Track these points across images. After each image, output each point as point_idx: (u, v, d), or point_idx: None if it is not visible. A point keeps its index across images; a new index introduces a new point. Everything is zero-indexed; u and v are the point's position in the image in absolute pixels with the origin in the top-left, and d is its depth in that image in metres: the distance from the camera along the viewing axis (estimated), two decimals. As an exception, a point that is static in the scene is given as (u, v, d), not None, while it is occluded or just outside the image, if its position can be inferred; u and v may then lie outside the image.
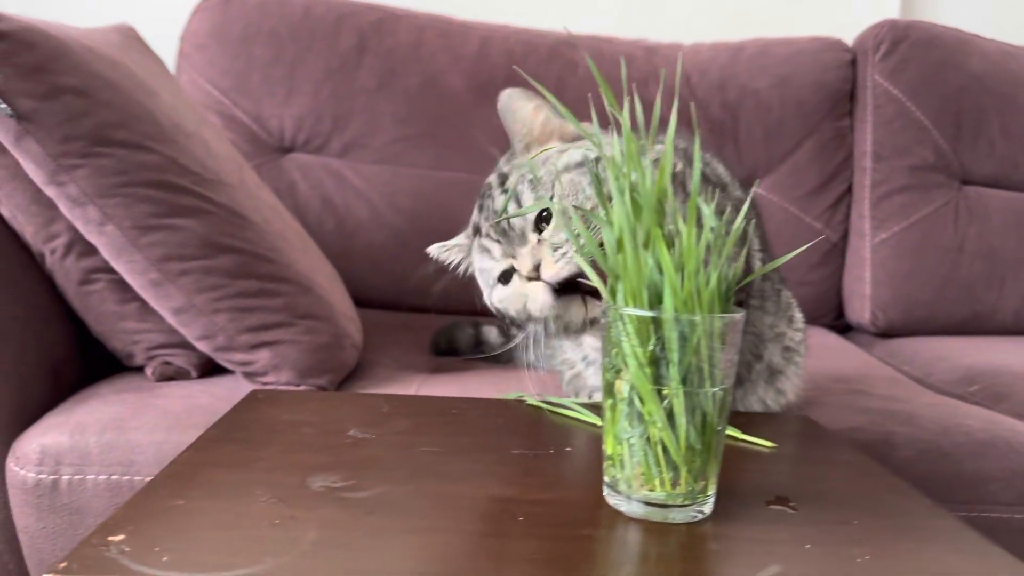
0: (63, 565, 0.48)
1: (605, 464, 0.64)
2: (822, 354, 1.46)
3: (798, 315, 1.03)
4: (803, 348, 1.01)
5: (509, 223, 0.84)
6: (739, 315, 0.60)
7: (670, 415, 0.59)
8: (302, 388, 1.01)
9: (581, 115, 1.88)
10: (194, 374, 1.08)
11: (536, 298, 0.83)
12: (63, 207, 0.95)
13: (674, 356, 0.58)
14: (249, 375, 1.02)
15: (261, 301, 1.01)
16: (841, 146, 1.83)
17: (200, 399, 0.99)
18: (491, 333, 1.39)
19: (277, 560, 0.50)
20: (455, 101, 1.70)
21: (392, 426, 0.79)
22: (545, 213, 0.82)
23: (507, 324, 0.92)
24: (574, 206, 0.78)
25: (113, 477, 0.91)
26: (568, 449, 0.76)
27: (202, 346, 1.01)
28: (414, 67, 1.69)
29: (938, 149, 1.79)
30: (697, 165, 0.64)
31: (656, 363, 0.59)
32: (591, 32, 1.85)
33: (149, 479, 0.91)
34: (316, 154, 1.70)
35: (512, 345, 1.35)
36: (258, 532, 0.55)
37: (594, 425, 0.83)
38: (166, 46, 1.57)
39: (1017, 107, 1.82)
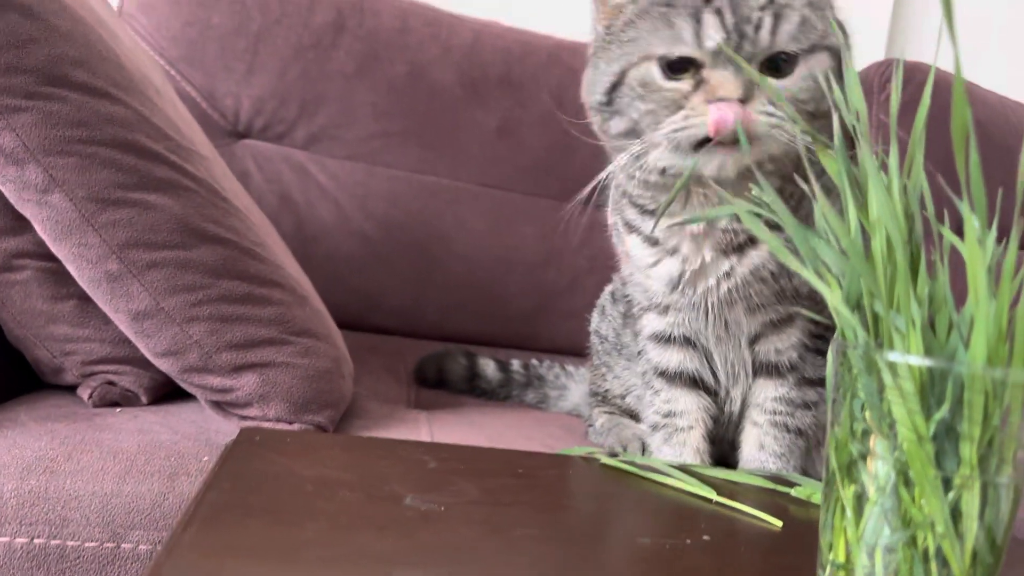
0: None
1: None
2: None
3: None
4: None
5: (744, 30, 0.65)
6: (1048, 375, 0.42)
7: (953, 514, 0.41)
8: (295, 427, 0.78)
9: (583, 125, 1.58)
10: (144, 399, 0.83)
11: (699, 121, 0.66)
12: (-11, 164, 0.70)
13: (976, 429, 0.40)
14: (223, 405, 0.78)
15: (249, 309, 0.77)
16: (845, 186, 1.72)
17: (160, 435, 0.74)
18: (488, 366, 1.19)
19: None
20: (444, 97, 1.49)
21: (456, 491, 0.58)
22: (783, 59, 0.66)
23: (603, 111, 0.73)
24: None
25: (36, 541, 0.65)
26: (706, 538, 0.56)
27: (165, 364, 0.76)
28: (400, 54, 1.47)
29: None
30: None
31: (937, 435, 0.41)
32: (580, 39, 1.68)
33: (91, 545, 0.67)
34: (276, 142, 1.45)
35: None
36: None
37: (703, 499, 0.64)
38: None
39: (1017, 161, 1.76)
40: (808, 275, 0.45)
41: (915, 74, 1.76)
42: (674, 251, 0.76)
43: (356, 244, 1.45)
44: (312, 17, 1.45)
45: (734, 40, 0.65)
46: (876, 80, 1.74)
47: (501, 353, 1.36)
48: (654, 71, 0.68)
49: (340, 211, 1.45)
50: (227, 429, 0.77)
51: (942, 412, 0.40)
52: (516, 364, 1.20)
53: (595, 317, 1.05)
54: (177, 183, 0.76)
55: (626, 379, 0.97)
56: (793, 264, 0.47)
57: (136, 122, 0.75)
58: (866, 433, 0.42)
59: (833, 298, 0.44)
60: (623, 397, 0.98)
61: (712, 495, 0.64)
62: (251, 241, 0.81)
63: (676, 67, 0.67)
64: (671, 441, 0.82)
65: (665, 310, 0.81)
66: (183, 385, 0.78)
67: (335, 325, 0.96)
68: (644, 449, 0.89)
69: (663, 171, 0.71)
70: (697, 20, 0.65)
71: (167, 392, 0.84)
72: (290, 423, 0.77)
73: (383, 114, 1.46)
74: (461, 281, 1.51)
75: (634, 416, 0.97)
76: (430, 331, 1.50)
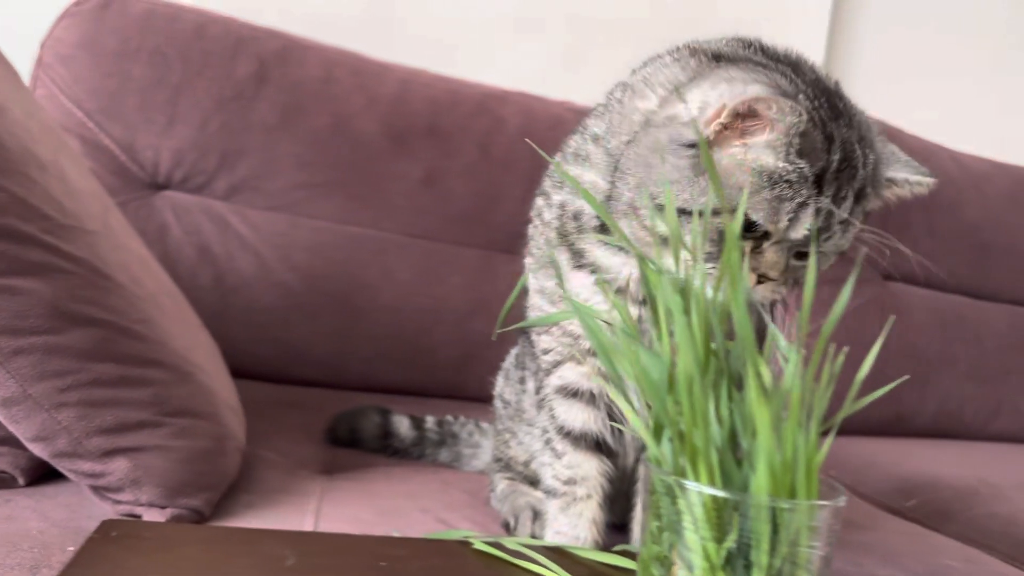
0: None
1: None
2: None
3: None
4: None
5: (819, 234, 0.69)
6: (842, 500, 0.43)
7: (747, 640, 0.41)
8: (168, 512, 0.77)
9: (510, 173, 1.69)
10: (21, 481, 0.81)
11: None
12: None
13: (764, 558, 0.40)
14: (98, 489, 0.77)
15: (122, 392, 0.76)
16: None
17: (28, 522, 0.73)
18: (402, 424, 1.18)
19: None
20: (369, 148, 1.49)
21: (306, 593, 0.58)
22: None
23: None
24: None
25: None
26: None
27: (36, 449, 0.75)
28: (324, 106, 1.48)
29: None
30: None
31: (731, 563, 0.41)
32: (511, 87, 1.69)
33: (-62, 650, 0.66)
34: (196, 194, 1.44)
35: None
36: None
37: (567, 587, 0.64)
38: (22, 51, 1.29)
39: (941, 206, 1.79)
40: (616, 396, 0.46)
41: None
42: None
43: (277, 296, 1.44)
44: (235, 68, 1.45)
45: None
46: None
47: (427, 404, 1.35)
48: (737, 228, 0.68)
49: (261, 262, 1.44)
50: (101, 513, 0.76)
51: (730, 540, 0.40)
52: (431, 421, 1.20)
53: (499, 380, 1.05)
54: (50, 265, 0.75)
55: (529, 444, 0.97)
56: (611, 379, 0.48)
57: (8, 205, 0.74)
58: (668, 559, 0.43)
59: (633, 418, 0.44)
60: (527, 464, 0.98)
61: (571, 582, 0.64)
62: (132, 319, 0.80)
63: (746, 228, 0.69)
64: (568, 511, 0.82)
65: (586, 355, 0.80)
66: (58, 469, 0.77)
67: (231, 395, 0.95)
68: (536, 518, 0.89)
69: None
70: (797, 211, 0.68)
71: (47, 471, 0.82)
72: (163, 507, 0.76)
73: (306, 165, 1.46)
74: (387, 332, 1.51)
75: (535, 483, 0.97)
76: (355, 382, 1.49)
